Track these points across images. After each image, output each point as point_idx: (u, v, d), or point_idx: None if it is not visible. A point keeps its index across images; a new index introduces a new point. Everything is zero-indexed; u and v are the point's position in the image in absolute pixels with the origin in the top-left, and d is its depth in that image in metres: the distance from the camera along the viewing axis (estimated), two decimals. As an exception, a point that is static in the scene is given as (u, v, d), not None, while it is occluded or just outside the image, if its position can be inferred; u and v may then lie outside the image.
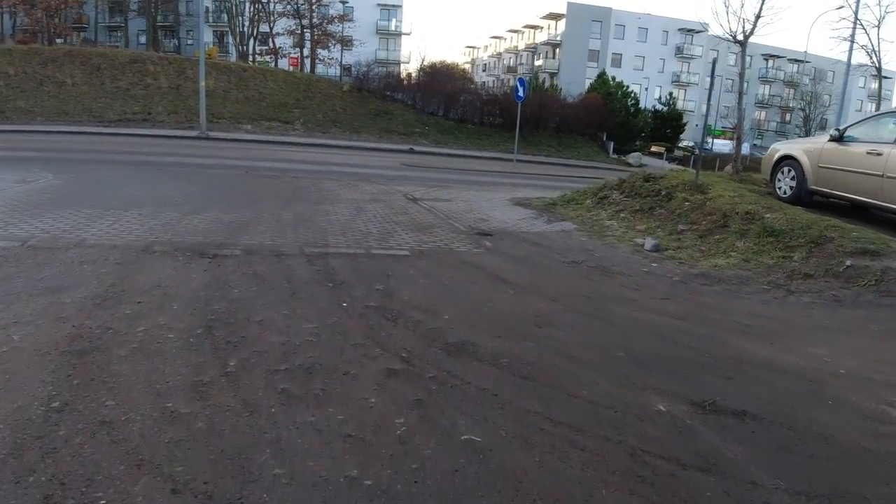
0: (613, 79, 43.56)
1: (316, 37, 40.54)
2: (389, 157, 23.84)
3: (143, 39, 57.10)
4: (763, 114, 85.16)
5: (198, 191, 11.36)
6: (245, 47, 40.76)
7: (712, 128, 79.08)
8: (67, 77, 30.34)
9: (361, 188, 13.63)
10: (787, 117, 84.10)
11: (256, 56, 41.21)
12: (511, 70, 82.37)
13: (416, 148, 27.64)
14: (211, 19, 57.62)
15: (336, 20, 41.81)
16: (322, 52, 42.06)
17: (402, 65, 62.60)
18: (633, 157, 37.04)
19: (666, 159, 40.51)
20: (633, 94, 42.28)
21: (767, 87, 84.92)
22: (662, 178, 11.59)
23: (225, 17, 45.14)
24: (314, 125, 29.99)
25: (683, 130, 58.27)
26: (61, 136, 22.81)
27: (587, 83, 49.31)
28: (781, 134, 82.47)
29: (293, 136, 27.88)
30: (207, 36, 62.19)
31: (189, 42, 61.81)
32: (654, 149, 44.94)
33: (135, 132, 24.83)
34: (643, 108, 43.90)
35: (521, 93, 22.38)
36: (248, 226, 8.12)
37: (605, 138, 40.11)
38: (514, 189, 16.36)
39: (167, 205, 9.24)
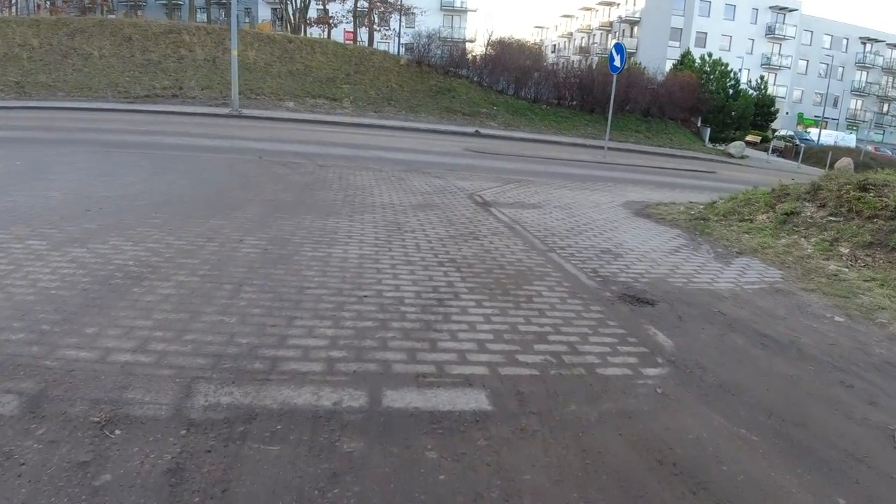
0: (710, 55, 38.04)
1: (373, 4, 36.39)
2: (451, 140, 19.66)
3: (202, 17, 54.75)
4: (859, 103, 77.17)
5: (162, 188, 7.52)
6: (296, 19, 37.05)
7: (803, 116, 72.12)
8: (95, 49, 27.23)
9: (409, 183, 9.54)
10: (886, 108, 76.05)
11: (308, 26, 37.33)
12: (584, 50, 76.92)
13: (483, 130, 23.38)
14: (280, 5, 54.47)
15: None
16: (378, 20, 37.97)
17: (467, 43, 58.21)
18: (735, 147, 31.75)
19: (772, 151, 34.85)
20: (732, 74, 36.76)
21: (864, 73, 76.84)
22: (888, 188, 7.01)
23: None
24: (365, 103, 26.05)
25: (775, 118, 51.80)
26: (73, 112, 19.58)
27: (668, 64, 43.87)
28: (879, 126, 74.75)
29: (340, 114, 24.01)
30: (265, 12, 59.42)
31: (246, 20, 59.04)
32: (748, 138, 39.41)
33: (159, 109, 21.39)
34: (744, 89, 38.22)
35: (617, 62, 17.83)
36: (139, 282, 4.04)
37: (699, 123, 34.84)
38: (620, 188, 11.96)
39: (75, 217, 5.33)
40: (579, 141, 24.77)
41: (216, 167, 9.72)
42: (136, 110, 20.92)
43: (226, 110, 21.46)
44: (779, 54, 72.37)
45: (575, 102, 30.46)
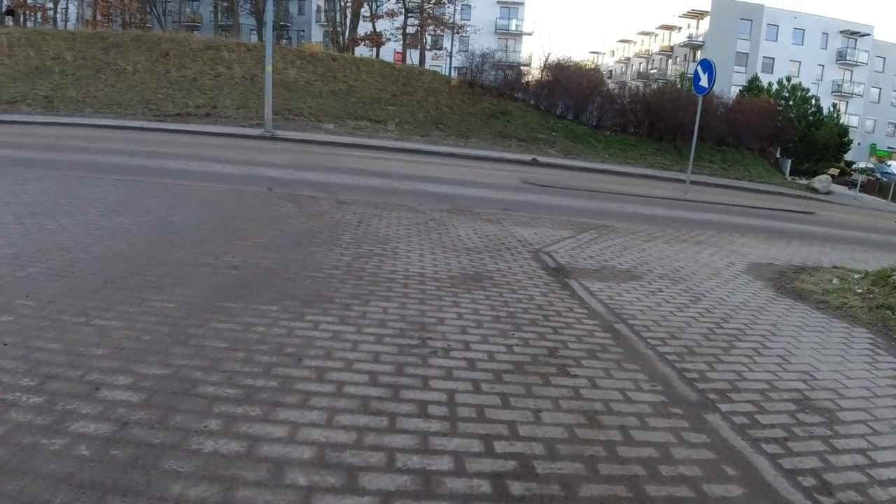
0: (788, 80, 34.81)
1: (424, 18, 34.17)
2: (506, 170, 17.16)
3: (253, 38, 53.96)
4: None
5: (94, 237, 5.29)
6: (345, 38, 35.24)
7: (875, 147, 67.32)
8: (129, 64, 25.80)
9: (452, 232, 7.04)
10: (967, 136, 70.78)
11: (356, 45, 35.38)
12: (642, 76, 73.91)
13: (541, 158, 20.85)
14: (323, 19, 53.24)
15: (448, 1, 34.93)
16: (430, 40, 35.82)
17: (522, 67, 56.00)
18: (821, 182, 28.36)
19: (859, 188, 31.23)
20: (814, 101, 33.43)
21: (944, 99, 71.73)
22: None
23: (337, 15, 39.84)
24: (412, 126, 23.82)
25: (849, 149, 47.56)
26: (92, 130, 17.86)
27: (734, 90, 40.65)
28: (959, 159, 69.48)
29: (383, 138, 21.80)
30: (317, 35, 58.40)
31: (301, 42, 58.13)
32: (830, 171, 35.72)
33: (188, 128, 19.55)
34: (827, 117, 34.72)
35: (704, 82, 15.10)
36: None
37: (778, 154, 31.60)
38: (726, 239, 9.22)
39: None
40: (649, 172, 21.98)
41: (198, 204, 7.40)
42: (162, 129, 19.12)
43: (258, 131, 19.49)
44: (850, 81, 68.12)
45: (641, 129, 27.68)
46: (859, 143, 66.70)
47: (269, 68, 18.99)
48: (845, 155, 47.32)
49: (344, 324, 3.70)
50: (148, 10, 45.47)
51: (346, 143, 19.23)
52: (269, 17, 19.50)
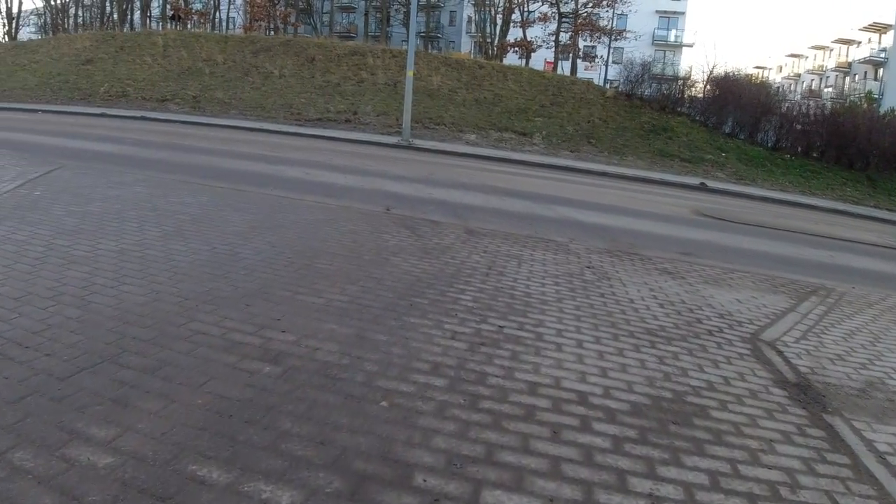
0: None
1: (578, 24, 31.59)
2: (669, 195, 14.61)
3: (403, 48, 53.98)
4: None
5: (127, 274, 3.62)
6: (493, 45, 33.58)
7: None
8: (276, 68, 25.62)
9: (618, 292, 4.89)
10: None
11: (505, 52, 33.52)
12: (814, 94, 66.92)
13: (709, 183, 17.96)
14: (474, 29, 52.40)
15: (605, 3, 31.99)
16: (586, 47, 33.22)
17: (684, 79, 52.00)
18: None
19: None
20: None
21: None
22: None
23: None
24: (561, 139, 21.62)
25: None
26: (229, 131, 17.42)
27: None
28: None
29: (528, 152, 19.81)
30: (467, 45, 57.57)
31: (450, 49, 57.66)
32: None
33: (325, 133, 18.67)
34: None
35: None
36: None
37: None
38: None
39: None
40: (840, 206, 18.39)
41: (289, 227, 5.80)
42: (298, 133, 18.33)
43: (395, 139, 18.21)
44: None
45: (827, 154, 23.73)
46: None
47: (409, 73, 17.63)
48: None
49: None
50: (306, 19, 46.54)
51: (488, 157, 17.44)
52: (412, 14, 18.17)
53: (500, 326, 3.70)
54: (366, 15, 48.57)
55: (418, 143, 18.08)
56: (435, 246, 5.71)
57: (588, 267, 5.75)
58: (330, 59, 26.21)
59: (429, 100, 23.08)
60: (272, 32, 38.27)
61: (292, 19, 41.61)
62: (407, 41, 44.02)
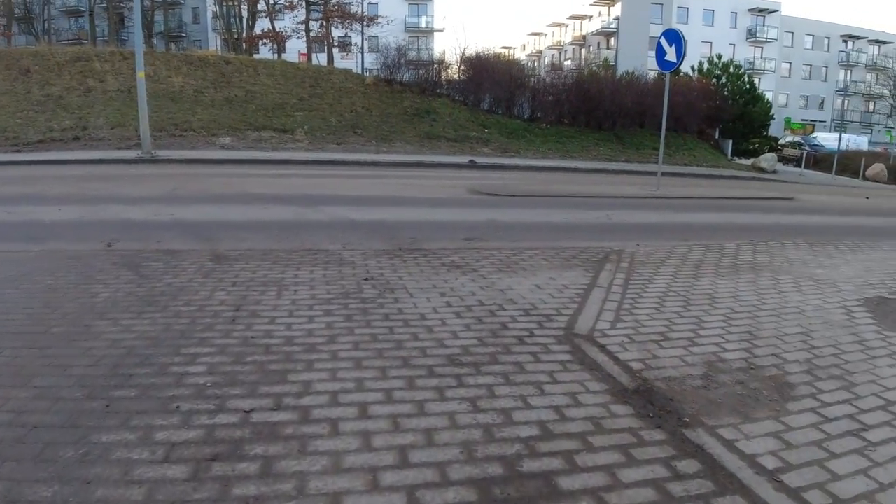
0: (719, 57, 33.25)
1: (328, 11, 30.32)
2: (444, 176, 14.19)
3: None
4: (846, 102, 73.61)
5: None
6: (241, 40, 31.23)
7: (790, 120, 68.06)
8: (-18, 86, 21.41)
9: (407, 311, 3.91)
10: (872, 105, 72.75)
11: (255, 45, 31.34)
12: (556, 68, 72.54)
13: (478, 159, 17.97)
14: (220, 25, 49.01)
15: None
16: (338, 36, 32.08)
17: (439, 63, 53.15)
18: (767, 161, 26.64)
19: (803, 164, 29.87)
20: (746, 77, 31.97)
21: (848, 72, 73.52)
22: None
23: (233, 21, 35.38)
24: (326, 133, 20.46)
25: (770, 125, 46.94)
26: None
27: (650, 74, 39.21)
28: (866, 125, 71.18)
29: (292, 149, 18.41)
30: (215, 44, 53.68)
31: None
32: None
33: (48, 157, 15.67)
34: (761, 93, 33.40)
35: (671, 56, 12.55)
36: None
37: (717, 135, 29.88)
38: (769, 254, 6.58)
39: None
40: (598, 165, 19.47)
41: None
42: (14, 162, 15.14)
43: (135, 153, 15.82)
44: (761, 58, 68.80)
45: (578, 119, 25.21)
46: (773, 118, 67.17)
47: (140, 74, 15.33)
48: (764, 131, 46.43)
49: None
50: (27, 28, 40.23)
51: (246, 160, 15.80)
52: (136, 8, 15.77)
53: (246, 412, 2.53)
54: (91, 15, 42.57)
55: (163, 154, 15.90)
56: (164, 290, 4.33)
57: (366, 279, 4.75)
58: (49, 69, 22.41)
59: (172, 104, 20.63)
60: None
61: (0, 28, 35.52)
62: (146, 43, 39.81)
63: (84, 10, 47.64)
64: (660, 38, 13.18)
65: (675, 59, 12.72)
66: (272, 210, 8.29)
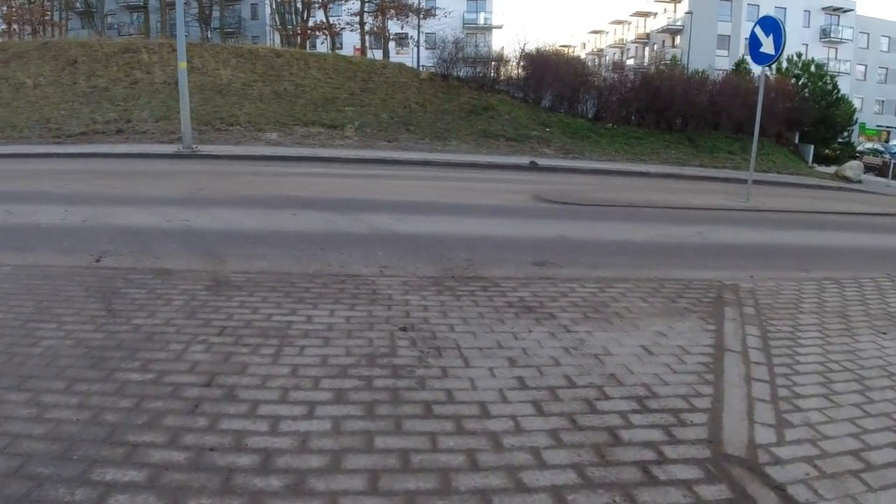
0: (798, 55, 30.90)
1: (383, 3, 29.18)
2: (504, 179, 12.83)
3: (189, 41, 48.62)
4: (922, 109, 69.06)
5: None
6: (294, 33, 30.44)
7: (865, 126, 64.07)
8: (30, 77, 21.00)
9: (461, 396, 2.52)
10: (952, 112, 68.18)
11: (307, 37, 30.49)
12: (618, 66, 70.26)
13: (539, 161, 16.52)
14: (276, 21, 48.77)
15: None
16: (397, 33, 30.87)
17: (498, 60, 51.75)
18: (853, 170, 24.32)
19: (890, 174, 27.34)
20: (829, 77, 29.58)
21: (928, 75, 69.10)
22: None
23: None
24: (376, 129, 19.30)
25: (852, 130, 43.69)
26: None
27: (718, 75, 36.89)
28: (946, 133, 66.67)
29: (341, 146, 17.30)
30: (272, 39, 53.38)
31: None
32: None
33: (88, 150, 14.96)
34: (845, 95, 30.91)
35: (767, 48, 10.86)
36: None
37: (796, 140, 27.62)
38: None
39: None
40: (670, 170, 17.77)
41: None
42: (51, 154, 14.46)
43: (174, 148, 14.97)
44: (835, 59, 65.00)
45: (647, 119, 23.43)
46: (856, 122, 63.26)
47: (182, 64, 14.43)
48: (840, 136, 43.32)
49: None
50: (88, 22, 40.55)
51: (290, 157, 14.73)
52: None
53: None
54: (145, 7, 42.23)
55: (204, 149, 14.97)
56: (126, 339, 3.11)
57: (403, 329, 3.44)
58: (96, 60, 21.92)
59: (218, 97, 19.80)
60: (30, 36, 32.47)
61: (56, 18, 35.64)
62: (201, 37, 39.56)
63: (146, 4, 47.95)
64: (754, 26, 11.46)
65: (772, 52, 11.01)
66: (301, 217, 7.07)
